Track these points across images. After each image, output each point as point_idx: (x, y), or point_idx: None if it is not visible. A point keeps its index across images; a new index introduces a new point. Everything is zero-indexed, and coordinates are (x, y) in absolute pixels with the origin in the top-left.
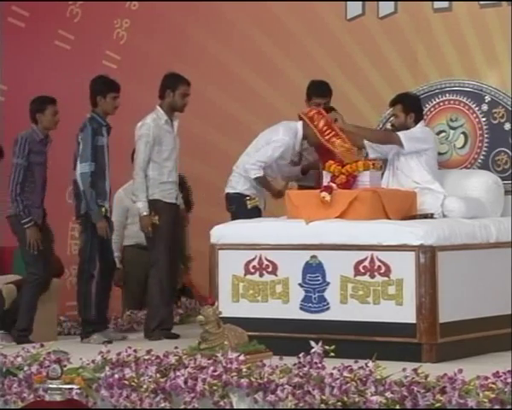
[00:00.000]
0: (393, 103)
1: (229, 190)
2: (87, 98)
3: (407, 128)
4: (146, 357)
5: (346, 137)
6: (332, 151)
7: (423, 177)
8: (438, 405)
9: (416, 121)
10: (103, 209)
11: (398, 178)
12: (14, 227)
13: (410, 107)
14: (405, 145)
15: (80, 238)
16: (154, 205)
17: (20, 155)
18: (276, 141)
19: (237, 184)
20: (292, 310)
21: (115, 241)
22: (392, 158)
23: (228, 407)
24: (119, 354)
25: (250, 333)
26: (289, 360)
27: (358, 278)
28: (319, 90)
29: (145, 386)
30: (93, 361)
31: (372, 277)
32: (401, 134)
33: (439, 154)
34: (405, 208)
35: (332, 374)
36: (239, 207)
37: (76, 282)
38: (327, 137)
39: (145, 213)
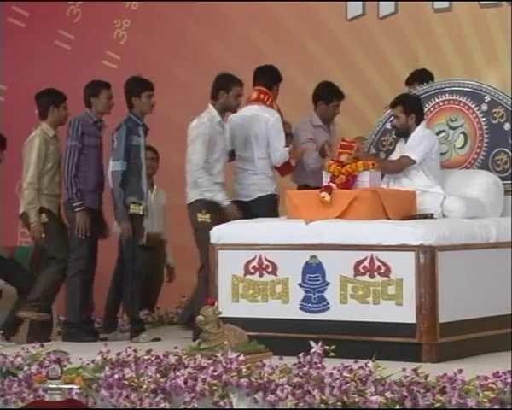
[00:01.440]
0: (394, 105)
1: (260, 194)
2: None
3: (408, 129)
4: (146, 357)
5: None
6: None
7: (424, 181)
8: (438, 405)
9: (417, 122)
10: (141, 208)
11: (400, 182)
12: (66, 212)
13: (411, 108)
14: (416, 159)
15: (122, 238)
16: (205, 204)
17: (73, 136)
18: (276, 120)
19: (268, 186)
20: (292, 310)
21: None
22: None
23: (228, 407)
24: (118, 354)
25: (250, 333)
26: (289, 360)
27: (358, 278)
28: (339, 93)
29: (145, 386)
30: (93, 361)
31: (372, 277)
32: (407, 153)
33: (440, 154)
34: (405, 208)
35: (332, 374)
36: (272, 208)
37: (112, 281)
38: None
39: (227, 202)
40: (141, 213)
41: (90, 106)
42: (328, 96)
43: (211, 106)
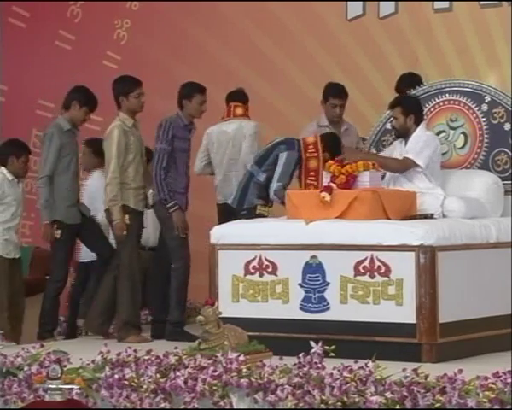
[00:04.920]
0: (392, 106)
1: None
2: None
3: (407, 130)
4: (146, 357)
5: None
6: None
7: (425, 183)
8: (438, 405)
9: (417, 123)
10: (267, 208)
11: (400, 183)
12: (158, 213)
13: (410, 109)
14: (421, 163)
15: None
16: None
17: (163, 139)
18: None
19: None
20: (292, 310)
21: None
22: None
23: (228, 407)
24: (119, 354)
25: (250, 333)
26: (289, 360)
27: (358, 278)
28: (336, 91)
29: (145, 386)
30: (93, 361)
31: (372, 277)
32: (411, 156)
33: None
34: (405, 208)
35: (332, 374)
36: None
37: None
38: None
39: None
40: (266, 214)
41: (182, 107)
42: (324, 94)
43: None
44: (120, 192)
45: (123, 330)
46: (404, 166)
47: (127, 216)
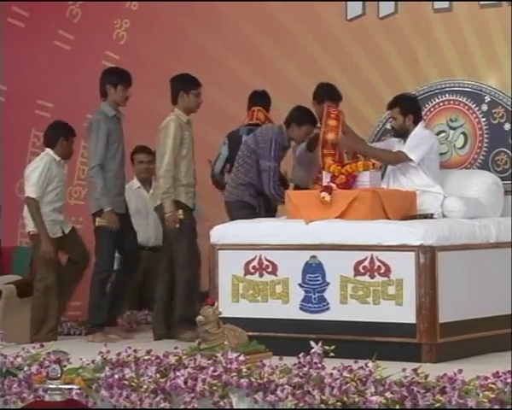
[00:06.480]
0: (391, 106)
1: None
2: (87, 98)
3: (406, 130)
4: (146, 357)
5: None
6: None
7: (424, 180)
8: (438, 405)
9: (415, 122)
10: None
11: (399, 181)
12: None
13: (408, 109)
14: (414, 157)
15: None
16: None
17: (274, 158)
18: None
19: None
20: (292, 310)
21: None
22: None
23: (228, 407)
24: (118, 354)
25: (250, 333)
26: (289, 360)
27: (358, 278)
28: (333, 94)
29: (145, 386)
30: (93, 361)
31: (372, 277)
32: (405, 149)
33: (439, 154)
34: (405, 208)
35: (332, 374)
36: None
37: None
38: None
39: None
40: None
41: (288, 127)
42: (317, 95)
43: None
44: (173, 186)
45: (178, 327)
46: (396, 158)
47: (181, 211)
